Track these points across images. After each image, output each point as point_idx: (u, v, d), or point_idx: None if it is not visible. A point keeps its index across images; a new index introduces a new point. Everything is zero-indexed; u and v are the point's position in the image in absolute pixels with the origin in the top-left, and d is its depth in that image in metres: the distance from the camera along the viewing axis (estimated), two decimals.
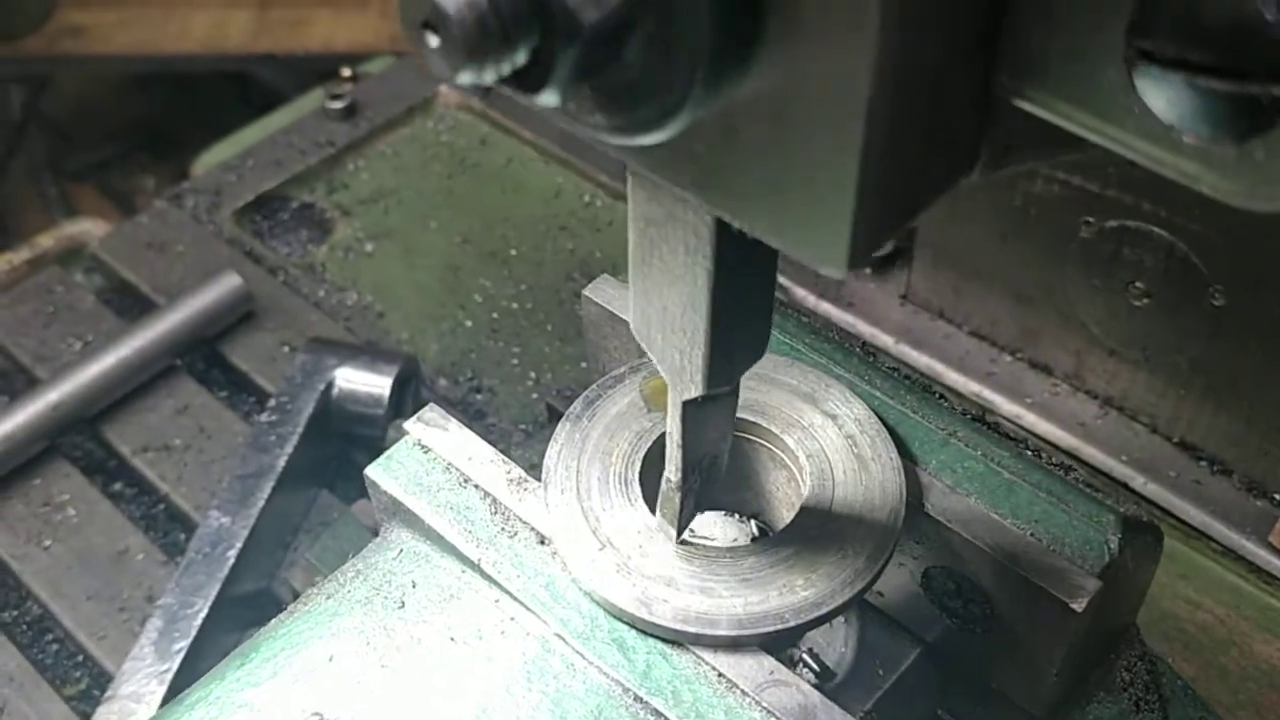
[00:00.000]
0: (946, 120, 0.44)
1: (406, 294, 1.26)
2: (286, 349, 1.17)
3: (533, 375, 1.18)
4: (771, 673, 0.62)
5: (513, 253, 1.30)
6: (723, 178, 0.46)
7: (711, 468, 0.66)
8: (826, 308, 1.21)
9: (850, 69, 0.39)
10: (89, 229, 1.34)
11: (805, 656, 0.73)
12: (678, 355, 0.58)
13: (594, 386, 0.74)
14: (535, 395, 1.16)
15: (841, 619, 0.73)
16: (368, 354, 1.10)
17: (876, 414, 0.72)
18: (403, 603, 0.68)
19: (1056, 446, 1.09)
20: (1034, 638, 0.68)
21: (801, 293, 1.23)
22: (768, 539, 0.70)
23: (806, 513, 0.68)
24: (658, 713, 0.61)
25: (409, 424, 0.73)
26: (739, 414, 0.67)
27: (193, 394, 1.15)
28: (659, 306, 0.57)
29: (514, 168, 1.40)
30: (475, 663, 0.65)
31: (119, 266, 1.27)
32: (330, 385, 1.07)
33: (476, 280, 1.27)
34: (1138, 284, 1.00)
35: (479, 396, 1.16)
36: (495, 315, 1.23)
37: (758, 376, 0.73)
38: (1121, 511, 0.69)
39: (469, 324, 1.23)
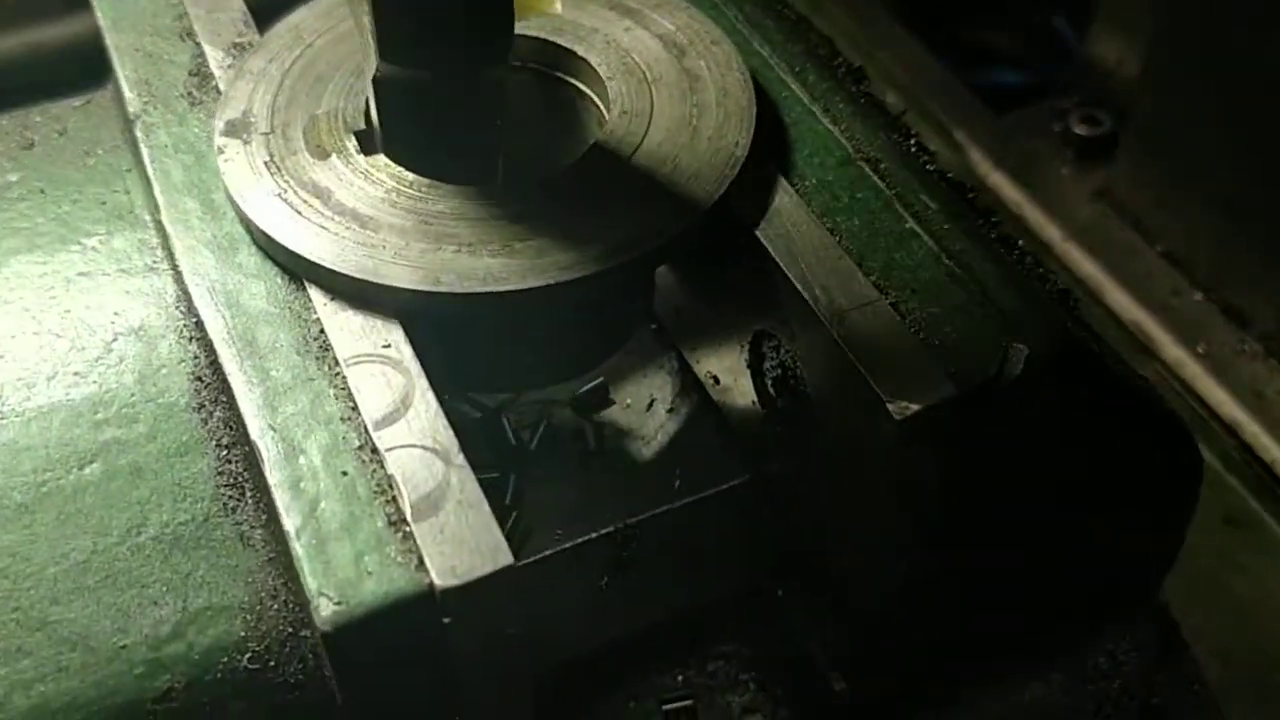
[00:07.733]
0: None
1: None
2: None
3: None
4: (386, 346, 0.40)
5: None
6: None
7: None
8: (997, 179, 0.94)
9: None
10: None
11: None
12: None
13: None
14: None
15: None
16: None
17: (759, 87, 0.47)
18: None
19: (1215, 413, 0.79)
20: (854, 455, 0.42)
21: (977, 156, 0.96)
22: (525, 185, 0.46)
23: (597, 154, 0.45)
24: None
25: None
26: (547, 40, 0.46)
27: None
28: None
29: None
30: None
31: None
32: None
33: None
34: None
35: None
36: None
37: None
38: (1059, 322, 0.41)
39: None
